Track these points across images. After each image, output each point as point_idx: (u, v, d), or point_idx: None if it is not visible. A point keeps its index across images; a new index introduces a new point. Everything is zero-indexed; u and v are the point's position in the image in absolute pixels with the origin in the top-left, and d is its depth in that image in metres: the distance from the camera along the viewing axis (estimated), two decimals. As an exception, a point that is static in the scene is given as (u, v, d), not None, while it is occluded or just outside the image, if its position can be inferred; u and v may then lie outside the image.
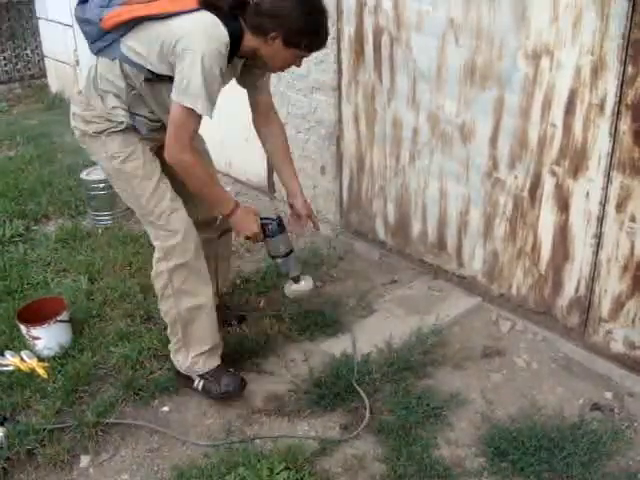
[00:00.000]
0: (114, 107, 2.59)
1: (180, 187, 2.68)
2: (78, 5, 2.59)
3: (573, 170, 2.79)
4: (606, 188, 2.70)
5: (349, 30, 3.53)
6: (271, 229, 2.75)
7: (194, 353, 2.79)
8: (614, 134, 2.62)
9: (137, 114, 2.62)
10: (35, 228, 4.48)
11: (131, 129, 2.64)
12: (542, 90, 2.80)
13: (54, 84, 7.76)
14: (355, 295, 3.47)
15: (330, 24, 3.49)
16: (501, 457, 2.48)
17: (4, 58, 8.43)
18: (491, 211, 3.14)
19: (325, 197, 4.02)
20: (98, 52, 2.57)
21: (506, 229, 3.12)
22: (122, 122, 2.61)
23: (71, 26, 6.83)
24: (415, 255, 3.61)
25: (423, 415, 2.67)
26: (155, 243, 2.71)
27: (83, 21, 2.57)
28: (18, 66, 8.49)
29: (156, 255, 2.72)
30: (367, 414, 2.69)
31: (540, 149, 2.88)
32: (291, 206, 2.97)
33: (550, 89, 2.77)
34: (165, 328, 2.91)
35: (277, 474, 2.36)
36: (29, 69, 8.53)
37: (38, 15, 7.63)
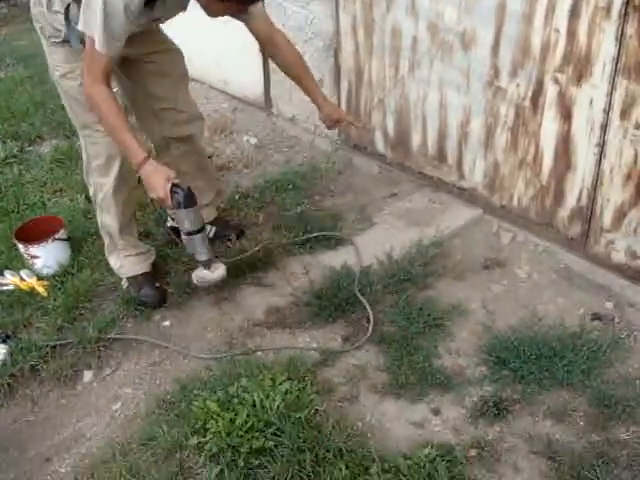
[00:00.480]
0: (56, 11, 2.50)
1: (140, 103, 2.83)
2: None
3: (577, 77, 2.72)
4: (610, 95, 2.64)
5: None
6: (176, 199, 2.50)
7: (123, 255, 2.97)
8: (620, 38, 2.54)
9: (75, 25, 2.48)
10: (29, 149, 4.44)
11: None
12: (546, -7, 2.71)
13: (43, 2, 7.55)
14: (355, 208, 3.45)
15: None
16: (502, 365, 2.50)
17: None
18: (492, 121, 3.09)
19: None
20: None
21: (507, 139, 3.07)
22: (60, 31, 2.52)
23: None
24: (415, 168, 3.57)
25: (424, 325, 2.69)
26: (83, 155, 2.84)
27: None
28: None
29: (84, 165, 2.87)
30: (371, 323, 2.70)
31: (543, 56, 2.80)
32: (325, 119, 2.97)
33: (555, -8, 2.69)
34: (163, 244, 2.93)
35: (279, 384, 2.38)
36: (19, -15, 8.31)
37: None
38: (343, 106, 3.82)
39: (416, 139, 3.49)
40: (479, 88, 3.07)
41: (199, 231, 2.59)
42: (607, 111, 2.68)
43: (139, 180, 2.60)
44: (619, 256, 2.85)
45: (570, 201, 2.95)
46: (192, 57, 4.93)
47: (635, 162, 2.65)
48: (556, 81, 2.80)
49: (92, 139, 2.72)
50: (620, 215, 2.78)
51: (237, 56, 4.50)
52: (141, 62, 2.83)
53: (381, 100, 3.56)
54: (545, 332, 2.63)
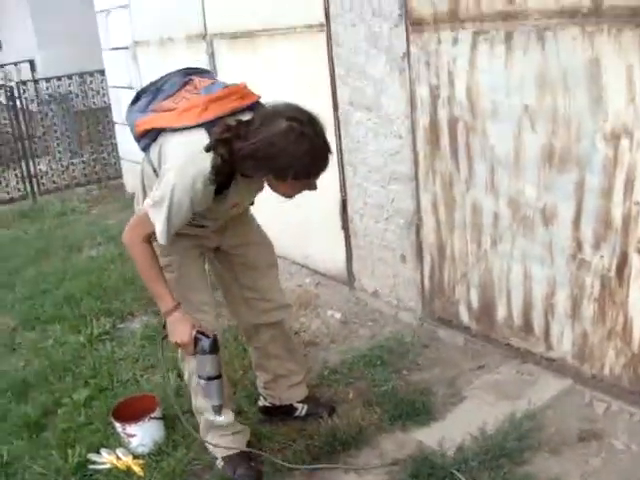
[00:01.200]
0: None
1: (230, 289, 2.94)
2: (128, 106, 2.73)
3: (661, 248, 2.77)
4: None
5: (424, 121, 3.61)
6: (201, 346, 2.62)
7: (218, 434, 2.97)
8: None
9: None
10: (121, 326, 4.60)
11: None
12: (623, 170, 2.80)
13: (129, 184, 8.04)
14: (443, 382, 3.44)
15: (404, 116, 3.64)
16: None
17: (83, 162, 8.83)
18: (578, 292, 3.12)
19: (406, 285, 4.04)
20: (143, 150, 2.67)
21: (595, 310, 3.08)
22: None
23: (146, 129, 7.10)
24: (501, 339, 3.58)
25: (526, 503, 2.62)
26: None
27: (128, 123, 2.71)
28: (96, 169, 8.88)
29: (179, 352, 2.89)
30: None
31: (625, 228, 2.86)
32: None
33: (631, 169, 2.77)
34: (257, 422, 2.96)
35: None
36: (106, 171, 8.90)
37: (115, 120, 7.98)
38: (426, 281, 3.90)
39: (501, 311, 3.52)
40: (563, 261, 3.13)
41: (217, 377, 2.68)
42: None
43: (164, 326, 2.70)
44: None
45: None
46: (275, 234, 5.18)
47: None
48: (640, 252, 2.85)
49: None
50: None
51: (319, 232, 4.68)
52: (231, 254, 2.98)
53: (464, 274, 3.63)
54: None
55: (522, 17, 2.99)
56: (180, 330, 2.61)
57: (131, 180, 7.95)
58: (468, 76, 3.30)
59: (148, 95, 2.65)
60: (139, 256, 2.56)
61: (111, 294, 5.03)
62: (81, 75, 8.81)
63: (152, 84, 2.70)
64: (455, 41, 3.30)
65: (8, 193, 8.54)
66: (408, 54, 3.58)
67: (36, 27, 11.29)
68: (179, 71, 2.71)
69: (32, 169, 8.57)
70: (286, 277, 4.94)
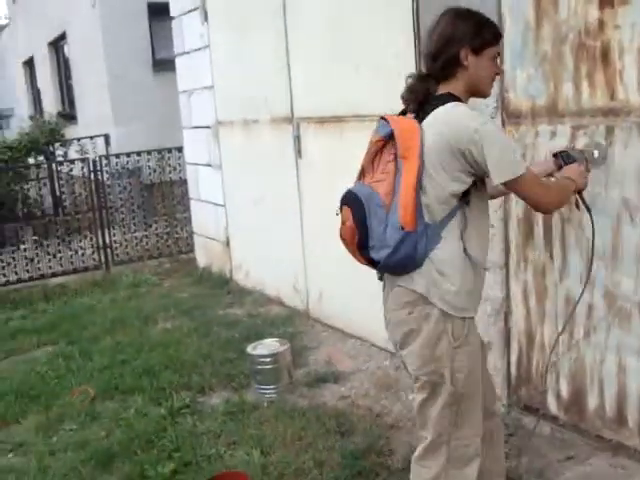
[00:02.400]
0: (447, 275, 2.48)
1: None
2: (364, 250, 2.52)
3: None
4: None
5: (517, 212, 3.67)
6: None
7: None
8: None
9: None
10: (201, 400, 4.65)
11: None
12: None
13: (202, 259, 8.21)
14: (532, 472, 3.40)
15: (497, 206, 3.69)
16: None
17: (156, 235, 9.05)
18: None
19: (492, 372, 4.01)
20: (423, 255, 2.43)
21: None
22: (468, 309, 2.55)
23: (223, 205, 7.30)
24: (591, 430, 3.53)
25: None
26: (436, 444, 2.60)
27: (392, 255, 2.41)
28: (168, 242, 9.08)
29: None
30: None
31: None
32: None
33: None
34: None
35: None
36: (178, 245, 9.10)
37: (190, 196, 8.20)
38: (513, 368, 3.89)
39: (592, 402, 3.48)
40: (660, 354, 3.12)
41: None
42: None
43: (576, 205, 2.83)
44: None
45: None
46: (356, 315, 5.25)
47: None
48: None
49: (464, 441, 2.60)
50: None
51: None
52: None
53: (554, 363, 3.62)
54: None
55: (624, 113, 3.06)
56: (575, 170, 2.70)
57: (204, 256, 8.11)
58: (566, 168, 3.36)
59: (371, 221, 2.49)
60: (560, 195, 2.59)
61: (189, 367, 5.10)
62: (159, 152, 9.11)
63: (360, 223, 2.50)
64: (553, 134, 3.38)
65: (83, 262, 8.76)
66: (503, 145, 3.65)
67: (113, 104, 11.82)
68: (352, 196, 2.57)
69: (107, 239, 8.81)
70: (365, 359, 4.99)
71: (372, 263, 2.52)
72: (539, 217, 3.54)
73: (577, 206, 2.80)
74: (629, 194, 3.10)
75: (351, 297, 5.30)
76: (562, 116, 3.33)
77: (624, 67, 3.06)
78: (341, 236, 2.58)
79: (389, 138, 2.46)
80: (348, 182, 4.94)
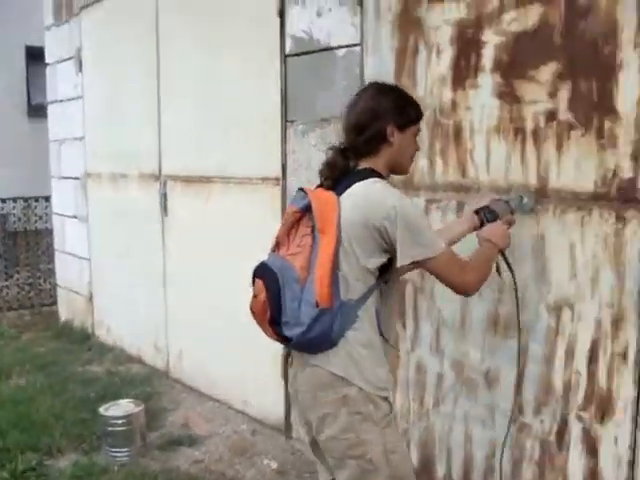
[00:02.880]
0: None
1: None
2: (276, 326, 2.39)
3: (600, 416, 2.87)
4: (635, 433, 2.77)
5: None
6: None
7: None
8: (638, 381, 2.73)
9: None
10: (48, 462, 4.42)
11: None
12: (565, 340, 2.95)
13: (64, 313, 7.93)
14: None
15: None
16: None
17: (18, 286, 8.70)
18: (518, 455, 3.18)
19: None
20: (341, 335, 2.34)
21: (534, 473, 3.14)
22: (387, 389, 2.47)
23: (87, 259, 7.12)
24: (440, 498, 3.59)
25: None
26: None
27: (307, 332, 2.30)
28: (30, 294, 8.74)
29: None
30: None
31: (566, 395, 2.98)
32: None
33: (573, 339, 2.92)
34: None
35: None
36: (40, 297, 8.77)
37: (56, 247, 7.95)
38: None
39: (440, 471, 3.54)
40: (504, 423, 3.19)
41: None
42: (633, 448, 2.79)
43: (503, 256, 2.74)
44: None
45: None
46: (213, 377, 5.18)
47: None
48: (580, 419, 2.94)
49: None
50: None
51: (257, 378, 4.69)
52: None
53: (405, 431, 3.67)
54: None
55: (474, 190, 3.19)
56: (496, 230, 2.67)
57: (66, 309, 7.85)
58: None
59: (286, 295, 2.38)
60: (479, 271, 2.51)
61: (39, 427, 4.84)
62: (26, 199, 8.83)
63: (274, 296, 2.39)
64: (408, 206, 3.48)
65: (-63, 313, 8.32)
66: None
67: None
68: (264, 268, 2.47)
69: (-37, 289, 8.41)
70: (221, 422, 4.91)
71: (284, 339, 2.39)
72: (393, 286, 3.61)
73: (497, 270, 2.74)
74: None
75: (210, 358, 5.25)
76: (417, 189, 3.45)
77: (474, 146, 3.21)
78: (251, 309, 2.45)
79: (306, 210, 2.39)
80: (213, 242, 4.97)
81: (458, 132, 3.27)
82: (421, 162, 3.44)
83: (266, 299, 2.36)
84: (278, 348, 4.41)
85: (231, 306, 4.83)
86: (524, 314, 3.05)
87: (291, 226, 2.45)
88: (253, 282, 2.45)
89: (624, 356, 2.77)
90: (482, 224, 2.74)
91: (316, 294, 2.27)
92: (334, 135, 3.90)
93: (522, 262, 3.04)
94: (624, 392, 2.79)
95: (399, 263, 2.32)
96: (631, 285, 2.72)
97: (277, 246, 2.49)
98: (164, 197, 5.68)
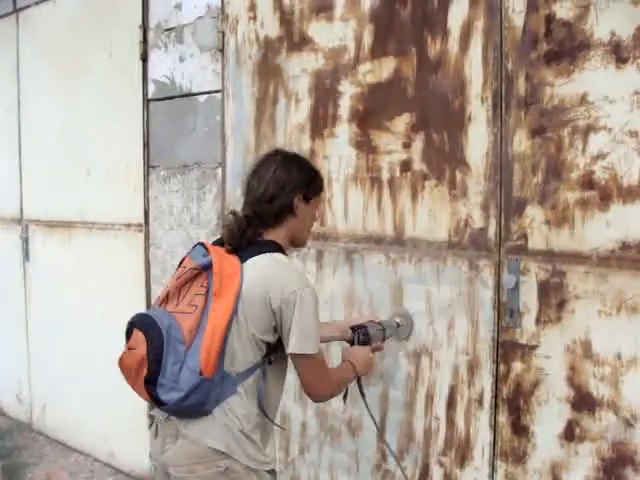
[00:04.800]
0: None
1: None
2: (151, 386, 2.23)
3: (459, 460, 2.92)
4: (492, 476, 2.83)
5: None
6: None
7: None
8: (494, 425, 2.80)
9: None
10: None
11: None
12: (424, 386, 3.00)
13: None
14: None
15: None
16: None
17: None
18: (382, 502, 3.20)
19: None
20: (217, 404, 2.26)
21: (398, 521, 3.16)
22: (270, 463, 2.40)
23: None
24: None
25: None
26: None
27: (184, 399, 2.19)
28: None
29: None
30: None
31: (426, 440, 3.02)
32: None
33: (431, 385, 2.97)
34: None
35: None
36: None
37: None
38: None
39: (308, 518, 3.52)
40: (368, 470, 3.22)
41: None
42: (491, 492, 2.85)
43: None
44: None
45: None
46: (76, 429, 5.00)
47: None
48: (440, 464, 2.98)
49: None
50: None
51: (123, 429, 4.55)
52: None
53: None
54: None
55: (332, 239, 3.22)
56: (361, 356, 2.60)
57: None
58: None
59: (168, 356, 2.21)
60: (333, 388, 2.46)
61: None
62: None
63: (155, 355, 2.22)
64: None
65: None
66: (224, 262, 3.70)
67: None
68: (145, 319, 2.34)
69: None
70: (87, 476, 4.73)
71: (156, 401, 2.23)
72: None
73: (345, 397, 2.67)
74: (337, 316, 3.23)
75: (75, 409, 5.07)
76: (278, 237, 3.45)
77: (333, 195, 3.24)
78: (122, 362, 2.30)
79: (205, 269, 2.28)
80: (76, 288, 4.82)
81: (317, 181, 3.30)
82: (282, 210, 3.44)
83: (145, 355, 2.20)
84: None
85: (95, 354, 4.71)
86: (384, 362, 3.09)
87: (184, 282, 2.31)
88: (129, 333, 2.31)
89: (480, 401, 2.83)
90: (352, 343, 2.72)
91: (201, 362, 2.16)
92: (195, 182, 3.87)
93: (381, 311, 3.08)
94: (481, 436, 2.85)
95: (288, 350, 2.27)
96: (485, 332, 2.79)
97: (165, 300, 2.33)
98: (26, 241, 5.47)
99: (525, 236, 2.67)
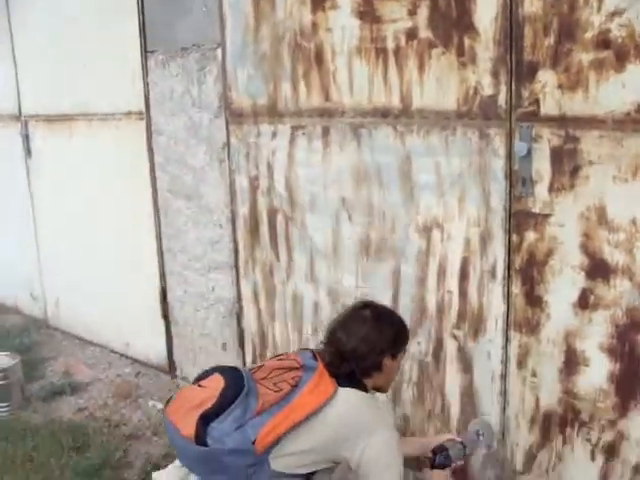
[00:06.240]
0: None
1: None
2: (186, 443, 2.25)
3: (473, 332, 2.92)
4: (506, 347, 2.83)
5: (243, 211, 3.67)
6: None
7: None
8: (507, 296, 2.78)
9: None
10: None
11: None
12: (436, 260, 2.96)
13: None
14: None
15: (224, 206, 3.68)
16: None
17: None
18: (398, 378, 3.21)
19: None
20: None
21: (414, 393, 3.19)
22: None
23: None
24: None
25: None
26: None
27: (225, 453, 2.21)
28: None
29: None
30: None
31: (439, 315, 3.01)
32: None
33: (443, 259, 2.94)
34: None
35: None
36: None
37: None
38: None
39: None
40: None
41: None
42: (505, 362, 2.85)
43: None
44: (535, 498, 2.92)
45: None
46: (93, 321, 5.05)
47: (537, 407, 2.79)
48: (454, 337, 2.98)
49: None
50: (531, 457, 2.87)
51: (138, 319, 4.59)
52: None
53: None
54: None
55: (338, 114, 3.12)
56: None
57: None
58: (287, 169, 3.40)
59: (237, 408, 2.26)
60: None
61: None
62: None
63: (226, 397, 2.28)
64: (274, 134, 3.40)
65: None
66: (228, 145, 3.65)
67: None
68: (232, 368, 2.46)
69: None
70: (104, 367, 4.81)
71: (198, 439, 2.23)
72: (264, 216, 3.57)
73: None
74: (346, 193, 3.18)
75: (89, 303, 5.10)
76: (282, 116, 3.36)
77: (337, 69, 3.13)
78: (181, 393, 2.41)
79: (306, 370, 2.35)
80: (81, 182, 4.76)
81: (320, 55, 3.18)
82: (284, 87, 3.34)
83: (218, 393, 2.27)
84: (156, 288, 4.34)
85: (105, 247, 4.71)
86: (394, 237, 3.05)
87: (282, 368, 2.38)
88: (206, 374, 2.39)
89: (493, 273, 2.80)
90: (432, 465, 2.71)
91: (260, 434, 2.20)
92: (195, 64, 3.76)
93: (390, 186, 3.02)
94: (494, 308, 2.83)
95: None
96: (497, 202, 2.73)
97: (257, 369, 2.42)
98: (26, 138, 5.39)
99: (537, 102, 2.56)
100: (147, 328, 4.54)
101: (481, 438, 2.95)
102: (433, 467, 2.70)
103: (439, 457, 2.70)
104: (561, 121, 2.50)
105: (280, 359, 2.45)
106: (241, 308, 3.84)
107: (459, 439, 2.80)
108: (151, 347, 4.61)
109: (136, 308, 4.59)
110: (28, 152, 5.40)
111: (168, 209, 4.11)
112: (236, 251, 3.77)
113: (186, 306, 4.19)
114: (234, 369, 2.40)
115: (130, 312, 4.66)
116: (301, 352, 2.47)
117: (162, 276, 4.30)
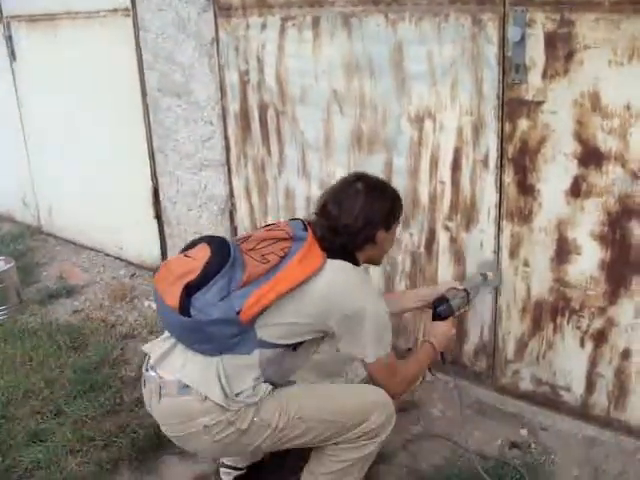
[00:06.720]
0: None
1: None
2: (171, 313, 2.20)
3: (465, 223, 2.94)
4: (498, 237, 2.86)
5: (234, 107, 3.62)
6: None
7: None
8: (500, 186, 2.78)
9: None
10: None
11: None
12: (428, 151, 2.95)
13: None
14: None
15: (214, 102, 3.63)
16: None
17: None
18: (390, 269, 3.25)
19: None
20: (224, 351, 2.22)
21: (407, 285, 3.22)
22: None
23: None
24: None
25: None
26: None
27: (208, 323, 2.16)
28: None
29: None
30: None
31: (432, 206, 3.02)
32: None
33: (435, 149, 2.92)
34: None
35: None
36: None
37: None
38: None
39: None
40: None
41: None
42: (497, 252, 2.88)
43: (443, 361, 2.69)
44: (526, 384, 2.99)
45: (473, 338, 3.10)
46: (86, 225, 5.05)
47: (528, 296, 2.84)
48: (447, 228, 3.00)
49: None
50: (522, 346, 2.94)
51: (131, 221, 4.59)
52: None
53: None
54: (468, 466, 2.68)
55: (328, 3, 3.06)
56: (442, 333, 2.60)
57: None
58: (277, 61, 3.35)
59: (222, 278, 2.18)
60: (409, 381, 2.48)
61: None
62: None
63: (211, 268, 2.20)
64: (264, 27, 3.33)
65: None
66: (217, 40, 3.57)
67: None
68: (219, 239, 2.35)
69: None
70: (99, 270, 4.84)
71: (182, 309, 2.17)
72: (255, 111, 3.54)
73: (430, 370, 2.70)
74: (337, 85, 3.14)
75: (81, 208, 5.09)
76: (271, 7, 3.28)
77: (325, -45, 3.04)
78: (168, 264, 2.30)
79: (294, 240, 2.27)
80: (66, 85, 4.68)
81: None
82: (272, -22, 3.26)
83: (203, 265, 2.19)
84: (148, 189, 4.33)
85: (95, 148, 4.67)
86: (386, 129, 3.03)
87: (270, 238, 2.30)
88: (193, 244, 2.33)
89: (485, 162, 2.80)
90: (434, 316, 2.65)
91: (245, 304, 2.14)
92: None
93: (381, 76, 2.98)
94: (487, 198, 2.84)
95: (359, 356, 2.31)
96: (489, 90, 2.70)
97: (244, 239, 2.35)
98: (9, 40, 5.24)
99: (531, -16, 2.51)
100: (140, 230, 4.55)
101: (489, 277, 2.93)
102: (435, 319, 2.69)
103: (440, 308, 2.66)
104: (556, 4, 2.46)
105: (270, 229, 2.39)
106: (234, 205, 3.84)
107: (462, 287, 2.76)
108: (145, 249, 4.63)
109: (129, 212, 4.58)
110: (12, 55, 5.28)
111: (157, 107, 4.06)
112: (227, 148, 3.74)
113: (178, 205, 4.18)
114: (222, 239, 2.34)
115: (123, 216, 4.66)
116: (292, 222, 2.42)
117: (153, 176, 4.29)
